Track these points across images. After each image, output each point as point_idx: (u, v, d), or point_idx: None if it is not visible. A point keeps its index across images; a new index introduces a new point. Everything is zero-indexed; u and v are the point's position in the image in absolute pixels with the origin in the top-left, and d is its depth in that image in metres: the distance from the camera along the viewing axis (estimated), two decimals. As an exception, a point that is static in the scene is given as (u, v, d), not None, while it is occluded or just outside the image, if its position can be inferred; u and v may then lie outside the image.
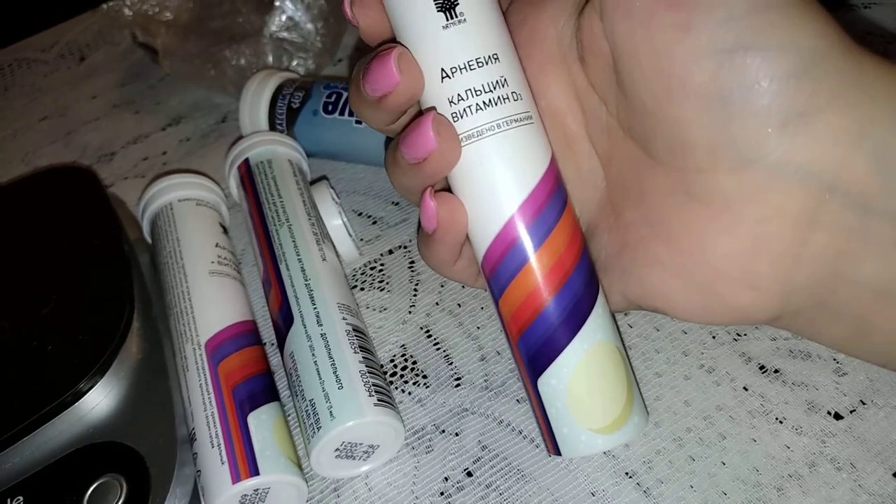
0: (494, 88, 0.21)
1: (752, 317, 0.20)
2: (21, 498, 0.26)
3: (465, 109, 0.21)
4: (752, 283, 0.20)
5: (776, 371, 0.27)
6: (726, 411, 0.26)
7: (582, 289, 0.22)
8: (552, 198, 0.22)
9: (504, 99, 0.21)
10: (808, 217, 0.18)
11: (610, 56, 0.21)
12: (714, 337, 0.28)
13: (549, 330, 0.22)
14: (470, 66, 0.21)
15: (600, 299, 0.22)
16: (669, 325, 0.29)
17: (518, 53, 0.23)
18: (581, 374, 0.22)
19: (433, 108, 0.21)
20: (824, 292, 0.19)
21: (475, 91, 0.21)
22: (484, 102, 0.21)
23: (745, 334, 0.28)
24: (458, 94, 0.21)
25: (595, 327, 0.22)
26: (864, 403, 0.25)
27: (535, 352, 0.22)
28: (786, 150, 0.18)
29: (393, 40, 0.23)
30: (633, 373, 0.23)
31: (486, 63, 0.21)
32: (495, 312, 0.23)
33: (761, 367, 0.27)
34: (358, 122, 0.35)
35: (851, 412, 0.25)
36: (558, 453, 0.22)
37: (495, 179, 0.21)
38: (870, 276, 0.19)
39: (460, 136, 0.21)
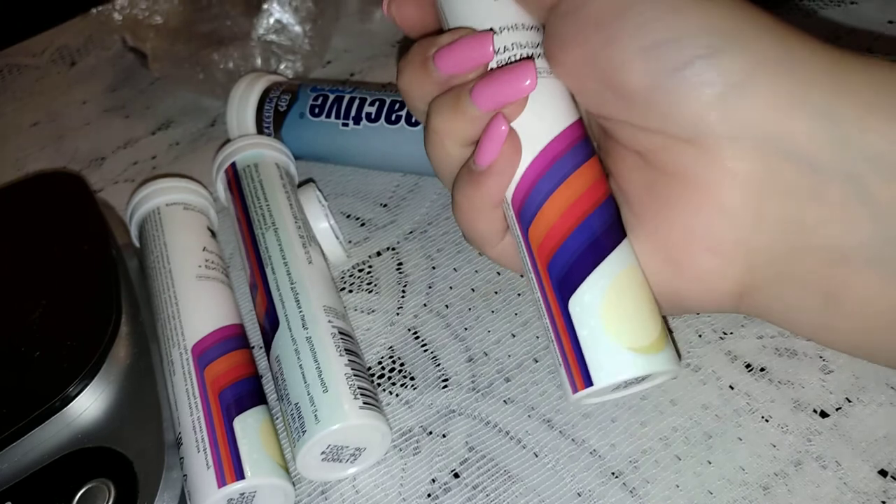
0: (536, 47, 0.23)
1: (716, 286, 0.21)
2: (9, 503, 0.26)
3: (509, 57, 0.23)
4: (714, 248, 0.21)
5: (762, 369, 0.27)
6: (712, 410, 0.26)
7: (616, 211, 0.23)
8: (585, 136, 0.24)
9: (542, 56, 0.23)
10: (763, 181, 0.19)
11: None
12: (700, 336, 0.28)
13: (585, 243, 0.21)
14: (515, 27, 0.23)
15: (626, 236, 0.23)
16: (656, 324, 0.29)
17: None
18: (619, 287, 0.21)
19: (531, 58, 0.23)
20: (787, 260, 0.20)
21: (520, 44, 0.23)
22: (527, 54, 0.23)
23: (732, 332, 0.28)
24: (504, 45, 0.23)
25: (628, 252, 0.22)
26: (849, 401, 0.25)
27: (569, 269, 0.21)
28: (729, 119, 0.19)
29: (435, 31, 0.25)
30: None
31: (529, 29, 0.24)
32: (521, 246, 0.23)
33: (747, 366, 0.27)
34: (345, 124, 0.35)
35: (837, 410, 0.25)
36: (588, 384, 0.21)
37: (535, 110, 0.23)
38: (828, 240, 0.19)
39: None
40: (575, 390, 0.21)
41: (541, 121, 0.23)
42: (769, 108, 0.19)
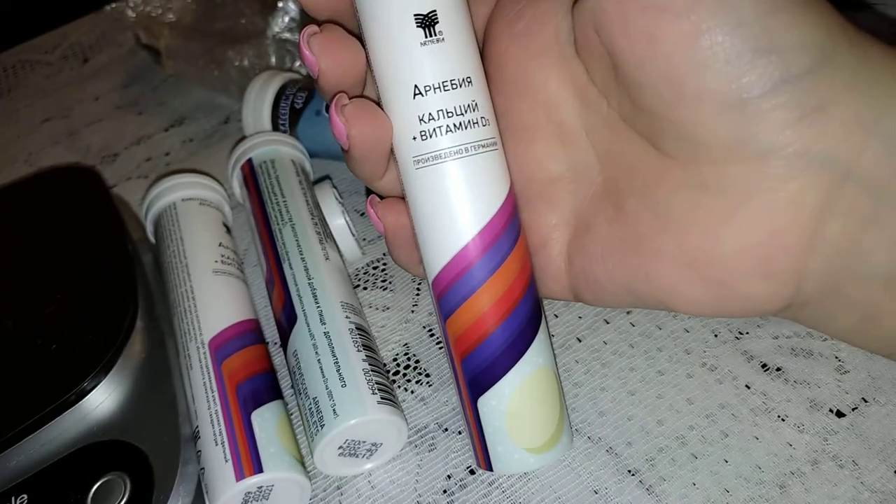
0: (465, 112, 0.21)
1: (763, 307, 0.20)
2: (25, 496, 0.26)
3: (434, 129, 0.21)
4: (767, 272, 0.19)
5: (778, 369, 0.27)
6: (728, 409, 0.26)
7: (528, 316, 0.23)
8: (508, 227, 0.22)
9: (473, 123, 0.22)
10: (824, 205, 0.18)
11: (609, 59, 0.20)
12: (716, 335, 0.28)
13: (493, 354, 0.22)
14: (444, 86, 0.21)
15: (543, 324, 0.23)
16: (671, 323, 0.29)
17: (514, 45, 0.23)
18: (520, 397, 0.22)
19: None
20: (836, 281, 0.19)
21: (447, 113, 0.21)
22: (454, 125, 0.21)
23: (747, 332, 0.28)
24: (430, 114, 0.21)
25: (537, 353, 0.23)
26: (866, 401, 0.25)
27: (478, 374, 0.23)
28: (804, 141, 0.18)
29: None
30: (563, 395, 0.24)
31: (460, 85, 0.21)
32: (440, 327, 0.24)
33: (763, 366, 0.27)
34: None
35: (853, 410, 0.25)
36: (490, 469, 0.23)
37: (455, 204, 0.22)
38: (881, 264, 0.19)
39: (426, 156, 0.22)
40: (478, 466, 0.24)
41: (470, 210, 0.22)
42: (843, 130, 0.18)
